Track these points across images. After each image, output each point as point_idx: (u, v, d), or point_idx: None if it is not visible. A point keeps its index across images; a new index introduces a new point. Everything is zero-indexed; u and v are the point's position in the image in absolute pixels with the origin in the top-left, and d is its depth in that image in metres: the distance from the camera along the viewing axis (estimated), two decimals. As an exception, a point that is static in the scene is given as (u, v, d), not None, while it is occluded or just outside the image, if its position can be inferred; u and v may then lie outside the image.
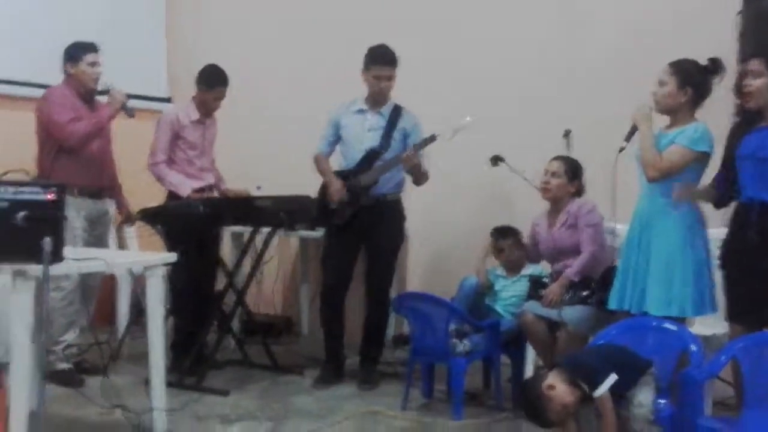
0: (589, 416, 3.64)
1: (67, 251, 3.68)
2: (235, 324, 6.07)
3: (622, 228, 4.47)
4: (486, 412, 4.88)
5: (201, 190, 5.50)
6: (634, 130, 4.22)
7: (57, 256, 3.58)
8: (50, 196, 3.58)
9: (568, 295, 4.69)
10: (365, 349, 5.48)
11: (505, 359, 5.06)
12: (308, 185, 5.47)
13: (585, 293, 4.65)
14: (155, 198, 5.51)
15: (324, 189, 5.39)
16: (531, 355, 4.88)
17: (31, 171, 4.97)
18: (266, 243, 5.71)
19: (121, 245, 6.28)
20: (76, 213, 5.00)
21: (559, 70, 5.83)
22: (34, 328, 3.64)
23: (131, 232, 6.25)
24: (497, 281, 5.15)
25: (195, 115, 5.50)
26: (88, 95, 5.25)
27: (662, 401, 3.72)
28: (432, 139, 5.11)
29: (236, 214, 5.41)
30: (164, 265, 4.40)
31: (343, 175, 5.32)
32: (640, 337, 3.98)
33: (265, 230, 5.72)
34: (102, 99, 5.33)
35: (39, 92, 5.33)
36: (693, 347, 3.83)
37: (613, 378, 3.52)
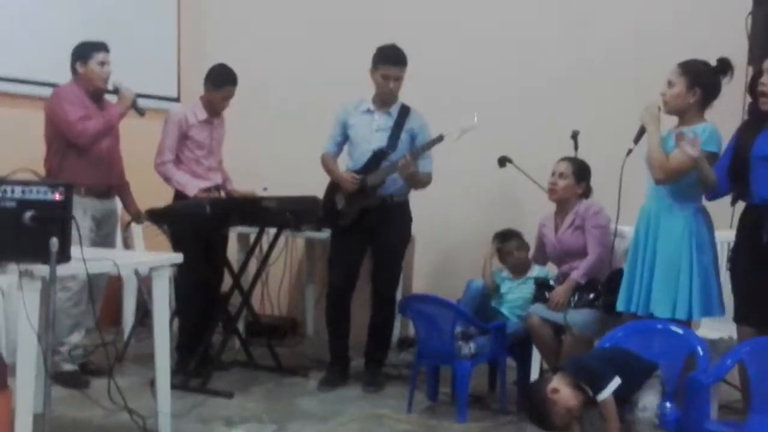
0: (593, 420, 3.63)
1: (74, 251, 3.68)
2: (241, 325, 6.07)
3: (629, 230, 4.46)
4: (491, 415, 4.88)
5: (208, 190, 5.49)
6: (642, 131, 4.21)
7: (64, 257, 3.58)
8: (57, 196, 3.58)
9: (574, 298, 4.68)
10: (370, 351, 5.47)
11: (510, 362, 5.06)
12: (315, 186, 5.47)
13: (591, 296, 4.65)
14: (163, 197, 5.51)
15: (331, 189, 5.39)
16: (537, 358, 4.87)
17: (38, 170, 4.97)
18: (272, 244, 5.71)
19: (127, 245, 6.28)
20: (83, 213, 4.99)
21: (567, 71, 5.83)
22: (40, 329, 3.64)
23: (137, 232, 6.24)
24: (503, 283, 5.14)
25: (203, 114, 5.50)
26: (97, 94, 5.25)
27: (668, 405, 3.71)
28: (439, 139, 5.10)
29: (242, 214, 5.40)
30: (170, 266, 4.40)
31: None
32: (646, 340, 3.98)
33: (272, 231, 5.72)
34: (110, 98, 5.33)
35: (47, 91, 5.32)
36: (699, 350, 3.82)
37: (617, 382, 3.51)
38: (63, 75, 5.25)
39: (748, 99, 4.62)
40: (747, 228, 4.09)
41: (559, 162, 4.93)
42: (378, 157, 5.23)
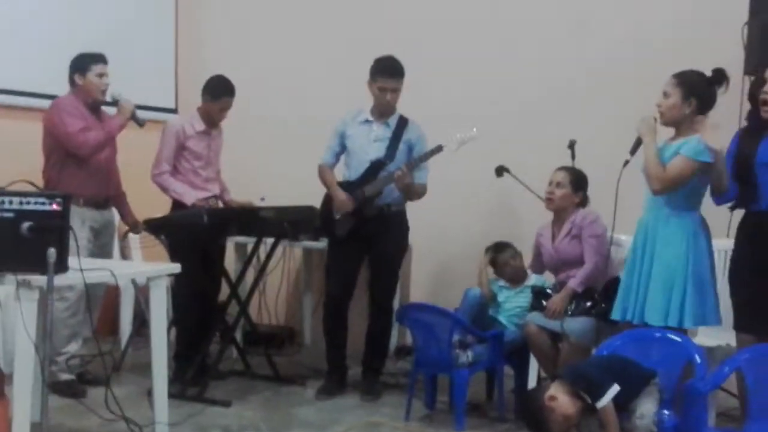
0: (591, 427, 3.64)
1: (72, 261, 3.68)
2: (238, 334, 6.07)
3: (626, 239, 4.48)
4: (489, 423, 4.88)
5: (205, 200, 5.49)
6: (639, 142, 4.22)
7: (62, 267, 3.59)
8: (55, 207, 3.59)
9: (571, 306, 4.69)
10: (368, 359, 5.48)
11: (508, 370, 5.06)
12: (312, 196, 5.47)
13: (588, 304, 4.66)
14: (161, 208, 5.51)
15: (328, 200, 5.40)
16: (534, 366, 4.87)
17: (36, 181, 4.97)
18: (270, 253, 5.71)
19: (124, 255, 6.28)
20: (81, 223, 5.00)
21: (564, 81, 5.84)
22: (37, 339, 3.65)
23: (135, 242, 6.25)
24: (500, 292, 5.15)
25: (200, 125, 5.50)
26: (95, 106, 5.26)
27: (666, 412, 3.72)
28: (438, 149, 5.12)
29: (240, 224, 5.41)
30: (168, 276, 4.40)
31: (347, 185, 5.31)
32: (644, 348, 3.99)
33: (269, 241, 5.72)
34: (107, 109, 5.34)
35: (45, 103, 5.34)
36: (697, 358, 3.82)
37: (615, 389, 3.52)
38: (61, 87, 5.26)
39: (745, 108, 4.65)
40: (748, 235, 4.09)
41: (556, 171, 4.94)
42: (376, 167, 5.24)
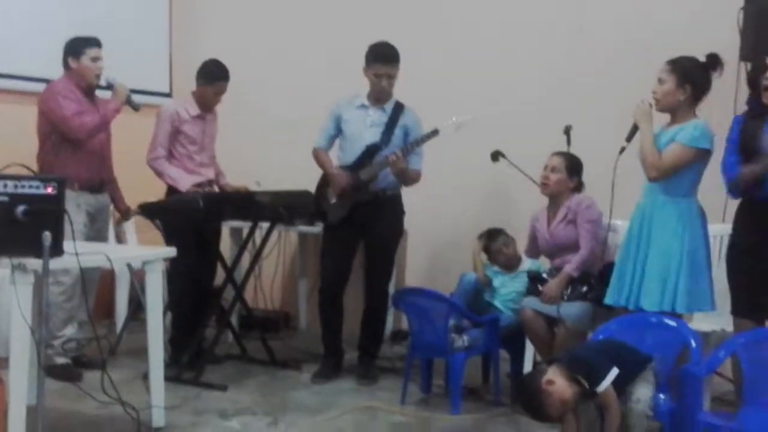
0: (587, 412, 3.64)
1: (67, 245, 3.67)
2: (234, 319, 6.08)
3: (621, 224, 4.48)
4: (484, 407, 4.89)
5: (200, 185, 5.48)
6: (635, 129, 4.23)
7: (57, 251, 3.58)
8: (50, 190, 3.58)
9: (567, 291, 4.69)
10: (364, 344, 5.48)
11: (503, 354, 5.07)
12: (307, 180, 5.47)
13: (584, 289, 4.66)
14: (155, 193, 5.50)
15: (322, 184, 5.39)
16: (530, 351, 4.88)
17: (30, 166, 4.96)
18: (265, 238, 5.71)
19: (119, 239, 6.27)
20: (76, 207, 4.99)
21: (560, 66, 5.84)
22: (33, 323, 3.64)
23: (130, 226, 6.24)
24: (496, 277, 5.15)
25: (195, 110, 5.48)
26: (89, 90, 5.24)
27: (662, 396, 3.73)
28: (434, 133, 5.11)
29: (235, 209, 5.40)
30: (163, 260, 4.40)
31: (342, 169, 5.30)
32: (640, 333, 3.99)
33: (265, 225, 5.72)
34: (101, 93, 5.32)
35: (38, 87, 5.32)
36: (693, 343, 3.83)
37: (614, 372, 3.53)
38: (55, 70, 5.24)
39: (741, 94, 4.65)
40: (751, 222, 4.07)
41: (551, 156, 4.93)
42: (371, 151, 5.23)
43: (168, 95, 7.10)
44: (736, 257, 4.13)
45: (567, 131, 5.27)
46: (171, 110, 5.48)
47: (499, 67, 6.03)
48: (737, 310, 4.12)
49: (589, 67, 5.73)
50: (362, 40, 5.29)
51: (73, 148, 5.12)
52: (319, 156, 5.40)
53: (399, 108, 5.30)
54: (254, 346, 5.80)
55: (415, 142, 5.18)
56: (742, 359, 3.79)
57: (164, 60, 7.27)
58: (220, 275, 5.77)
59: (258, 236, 5.80)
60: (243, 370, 5.53)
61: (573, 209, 4.81)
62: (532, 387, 3.60)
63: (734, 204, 4.29)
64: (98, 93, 5.34)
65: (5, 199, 3.53)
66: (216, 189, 5.69)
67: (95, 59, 5.17)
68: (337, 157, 5.41)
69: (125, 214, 5.65)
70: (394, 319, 6.15)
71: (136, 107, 5.29)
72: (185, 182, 5.39)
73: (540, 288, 4.76)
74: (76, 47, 5.16)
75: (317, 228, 5.93)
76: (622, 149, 4.22)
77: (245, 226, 5.98)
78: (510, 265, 5.14)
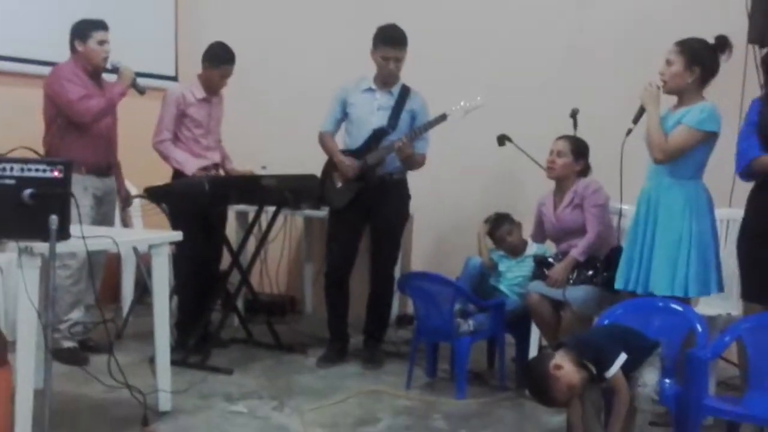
0: (593, 397, 3.65)
1: (74, 229, 3.68)
2: (240, 303, 6.09)
3: (628, 208, 4.47)
4: (489, 391, 4.90)
5: (206, 168, 5.48)
6: (642, 111, 4.21)
7: (63, 234, 3.58)
8: (57, 174, 3.57)
9: (573, 275, 4.69)
10: (369, 328, 5.49)
11: (509, 339, 5.07)
12: (313, 164, 5.46)
13: (590, 273, 4.65)
14: (161, 176, 5.50)
15: (328, 168, 5.38)
16: (535, 335, 4.88)
17: (36, 149, 4.96)
18: (271, 222, 5.71)
19: (125, 223, 6.28)
20: (83, 190, 4.99)
21: (567, 49, 5.82)
22: (40, 306, 3.65)
23: (135, 210, 6.24)
24: (501, 262, 5.15)
25: (201, 93, 5.48)
26: (95, 73, 5.24)
27: (667, 381, 3.73)
28: (442, 118, 5.10)
29: (241, 192, 5.40)
30: (169, 244, 4.40)
31: (348, 154, 5.29)
32: (646, 317, 3.98)
33: (270, 209, 5.72)
34: (107, 77, 5.32)
35: (45, 70, 5.31)
36: (698, 327, 3.83)
37: (623, 357, 3.52)
38: (62, 54, 5.23)
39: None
40: (761, 205, 4.03)
41: (557, 140, 4.91)
42: (378, 135, 5.22)
43: (174, 79, 7.09)
44: (748, 242, 4.08)
45: (573, 114, 5.26)
46: (177, 93, 5.47)
47: (505, 50, 6.01)
48: (748, 295, 4.08)
49: (595, 50, 5.71)
50: (368, 24, 5.26)
51: (79, 132, 5.11)
52: (325, 140, 5.38)
53: (406, 91, 5.28)
54: (260, 330, 5.81)
55: (422, 127, 5.17)
56: (747, 344, 3.79)
57: (170, 43, 7.26)
58: (225, 259, 5.78)
59: (264, 220, 5.81)
60: (249, 354, 5.54)
61: (580, 193, 4.79)
62: (539, 371, 3.60)
63: (741, 188, 4.27)
64: (104, 76, 5.33)
65: (12, 182, 3.53)
66: (222, 173, 5.69)
67: (102, 42, 5.16)
68: (343, 141, 5.40)
69: (125, 200, 5.65)
70: (399, 304, 6.16)
71: (141, 90, 5.29)
72: (191, 166, 5.40)
73: (546, 272, 4.75)
74: (82, 30, 5.15)
75: (323, 212, 5.93)
76: (629, 131, 4.21)
77: (251, 210, 6.00)
78: (515, 250, 5.14)
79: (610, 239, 4.72)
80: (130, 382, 4.11)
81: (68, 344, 5.18)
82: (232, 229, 6.26)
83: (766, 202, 4.02)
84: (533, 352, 4.84)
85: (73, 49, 5.18)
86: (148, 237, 4.54)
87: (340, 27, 6.51)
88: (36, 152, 3.99)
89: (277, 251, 6.72)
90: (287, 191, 5.34)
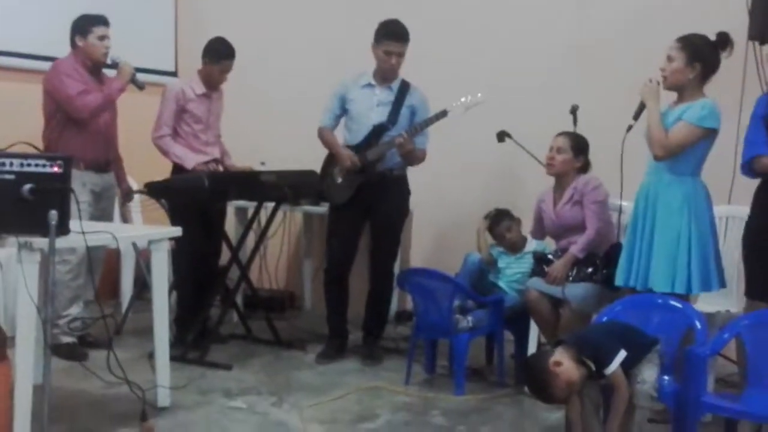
0: (592, 394, 3.65)
1: (73, 224, 3.68)
2: (239, 299, 6.09)
3: (628, 205, 4.47)
4: (488, 387, 4.90)
5: (206, 164, 5.47)
6: (642, 107, 4.21)
7: (63, 229, 3.59)
8: (56, 169, 3.58)
9: (572, 272, 4.69)
10: (368, 324, 5.49)
11: (508, 335, 5.07)
12: (313, 160, 5.46)
13: (589, 270, 4.65)
14: (161, 171, 5.50)
15: (328, 164, 5.38)
16: (534, 332, 4.88)
17: (36, 144, 4.96)
18: (270, 218, 5.71)
19: (125, 219, 6.28)
20: (81, 186, 4.99)
21: (567, 45, 5.81)
22: (39, 301, 3.65)
23: (135, 205, 6.24)
24: (500, 258, 5.15)
25: (200, 88, 5.47)
26: (95, 68, 5.23)
27: (666, 378, 3.73)
28: (443, 114, 5.10)
29: (241, 188, 5.40)
30: (169, 240, 4.40)
31: (350, 150, 5.28)
32: (645, 314, 3.98)
33: (270, 205, 5.72)
34: (108, 72, 5.31)
35: (45, 65, 5.31)
36: (698, 324, 3.83)
37: (622, 354, 3.52)
38: (62, 49, 5.23)
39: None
40: (767, 203, 4.03)
41: (556, 137, 4.91)
42: (378, 131, 5.21)
43: (173, 74, 7.10)
44: (754, 239, 4.08)
45: (573, 111, 5.25)
46: (176, 89, 5.47)
47: (505, 46, 6.00)
48: (752, 293, 4.07)
49: (595, 46, 5.70)
50: (367, 20, 5.26)
51: (78, 128, 5.11)
52: (324, 135, 5.38)
53: (405, 87, 5.28)
54: (259, 326, 5.81)
55: (422, 124, 5.16)
56: (746, 341, 3.79)
57: (170, 39, 7.26)
58: (225, 255, 5.77)
59: (263, 216, 5.81)
60: (248, 350, 5.55)
61: (579, 190, 4.79)
62: (538, 368, 3.59)
63: (740, 185, 4.28)
64: (105, 72, 5.32)
65: (12, 177, 3.54)
66: (221, 168, 5.69)
67: (102, 38, 5.16)
68: (342, 137, 5.40)
69: (126, 195, 5.65)
70: (398, 300, 6.16)
71: (140, 86, 5.28)
72: (191, 161, 5.39)
73: (545, 269, 4.75)
74: (83, 25, 5.15)
75: (322, 208, 5.93)
76: (629, 127, 4.21)
77: (250, 205, 6.00)
78: (514, 247, 5.14)
79: (609, 236, 4.72)
80: (129, 377, 4.11)
81: (67, 340, 5.18)
82: (231, 225, 6.25)
83: None
84: (532, 348, 4.83)
85: (73, 44, 5.17)
86: (147, 232, 4.54)
87: (340, 23, 6.51)
88: (36, 147, 3.99)
89: (277, 247, 6.72)
90: (286, 187, 5.34)
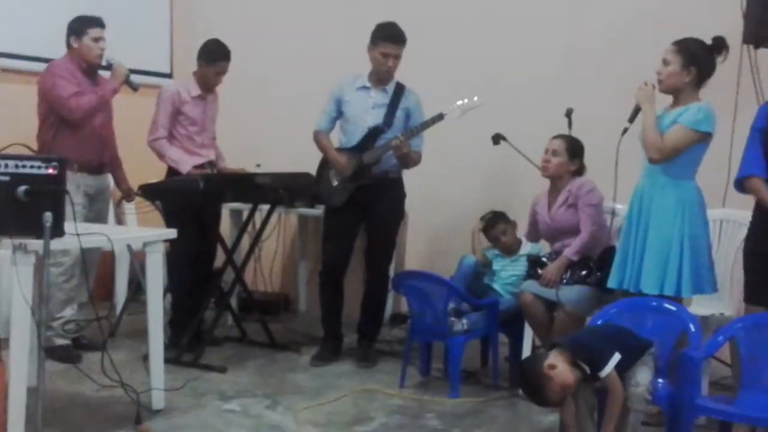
0: (586, 396, 3.65)
1: (68, 226, 3.67)
2: (233, 301, 6.08)
3: (622, 208, 4.48)
4: (483, 390, 4.90)
5: (201, 166, 5.47)
6: (637, 110, 4.22)
7: (58, 231, 3.58)
8: (51, 171, 3.58)
9: (567, 275, 4.69)
10: (363, 327, 5.49)
11: (503, 338, 5.07)
12: (308, 163, 5.46)
13: (583, 273, 4.66)
14: (156, 174, 5.49)
15: (324, 166, 5.38)
16: (529, 335, 4.89)
17: (31, 146, 4.96)
18: (265, 220, 5.71)
19: (119, 221, 6.27)
20: (75, 188, 4.97)
21: (562, 48, 5.81)
22: (33, 303, 3.64)
23: (130, 207, 6.23)
24: (495, 260, 5.15)
25: (196, 90, 5.47)
26: (90, 70, 5.23)
27: (660, 381, 3.74)
28: (440, 117, 5.10)
29: (236, 190, 5.38)
30: (164, 242, 4.39)
31: (344, 152, 5.29)
32: (639, 317, 3.99)
33: (265, 207, 5.72)
34: (103, 73, 5.31)
35: (40, 66, 5.31)
36: (692, 327, 3.83)
37: (617, 357, 3.53)
38: (57, 50, 5.22)
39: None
40: None
41: (551, 140, 4.92)
42: (373, 134, 5.22)
43: (169, 76, 7.09)
44: (754, 245, 4.06)
45: (568, 114, 5.26)
46: (172, 91, 5.46)
47: (501, 49, 6.00)
48: (751, 298, 4.06)
49: (591, 49, 5.71)
50: (363, 22, 5.27)
51: (72, 129, 5.10)
52: (319, 139, 5.38)
53: (400, 89, 5.28)
54: (254, 329, 5.81)
55: (420, 126, 5.17)
56: (741, 344, 3.79)
57: (165, 40, 7.26)
58: (219, 257, 5.77)
59: (258, 218, 5.80)
60: (242, 353, 5.54)
61: (574, 193, 4.80)
62: (533, 371, 3.60)
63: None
64: (101, 73, 5.32)
65: (6, 179, 3.54)
66: (215, 171, 5.69)
67: (97, 39, 5.15)
68: (338, 140, 5.40)
69: (127, 195, 5.64)
70: (393, 302, 6.16)
71: (135, 87, 5.27)
72: (186, 164, 5.39)
73: (539, 272, 4.76)
74: (78, 27, 5.14)
75: (317, 210, 5.93)
76: (625, 130, 4.22)
77: (245, 208, 5.99)
78: (509, 249, 5.14)
79: (603, 239, 4.72)
80: (124, 380, 4.10)
81: (61, 342, 5.17)
82: (226, 227, 6.26)
83: None
84: (527, 351, 4.84)
85: (68, 45, 5.17)
86: (142, 235, 4.54)
87: (336, 26, 6.50)
88: (31, 149, 4.00)
89: (271, 249, 6.72)
90: (281, 189, 5.34)
